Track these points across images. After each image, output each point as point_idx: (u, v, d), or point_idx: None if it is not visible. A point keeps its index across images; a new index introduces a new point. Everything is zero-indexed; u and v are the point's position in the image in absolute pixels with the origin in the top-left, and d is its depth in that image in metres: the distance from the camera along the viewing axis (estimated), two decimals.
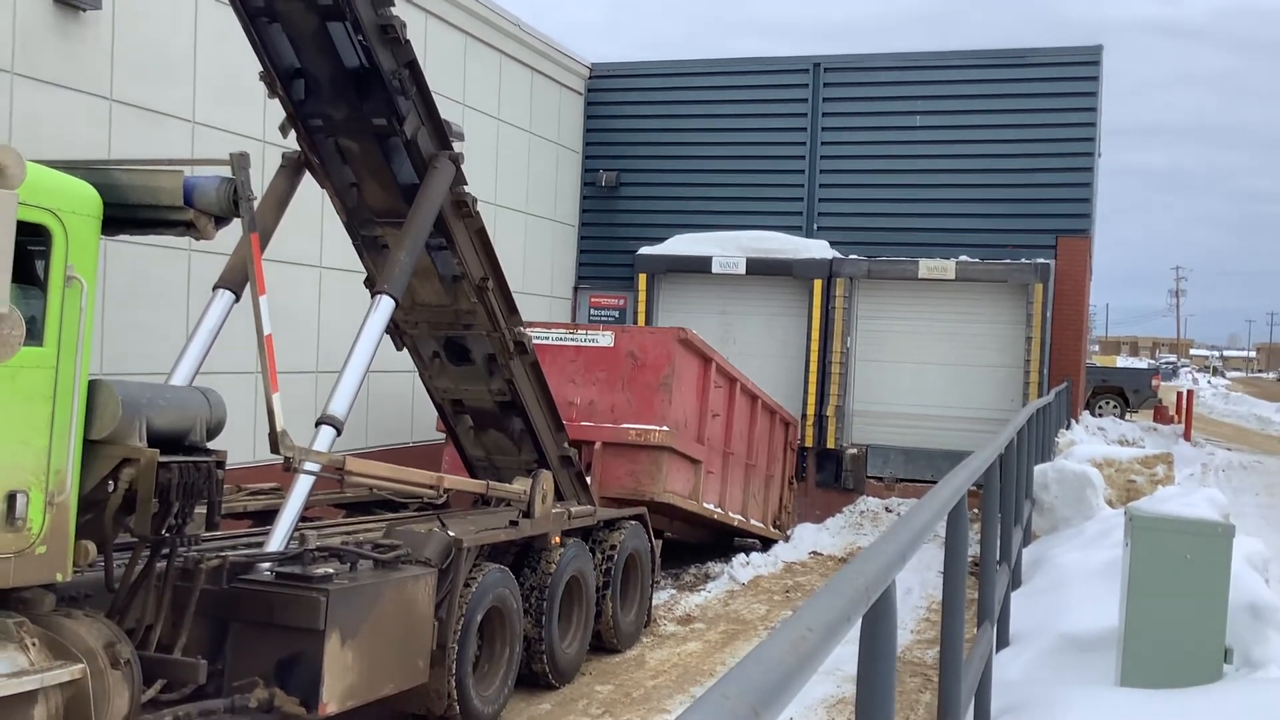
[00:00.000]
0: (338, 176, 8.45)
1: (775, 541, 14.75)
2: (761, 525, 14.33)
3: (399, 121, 7.91)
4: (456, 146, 15.80)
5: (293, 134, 8.31)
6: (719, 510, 12.89)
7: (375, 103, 7.88)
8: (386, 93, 7.78)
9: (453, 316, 9.11)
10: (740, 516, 13.63)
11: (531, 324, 12.29)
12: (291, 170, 8.54)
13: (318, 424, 7.18)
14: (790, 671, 1.62)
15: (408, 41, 7.83)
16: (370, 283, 8.78)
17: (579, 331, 12.13)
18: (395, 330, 9.10)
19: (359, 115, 7.99)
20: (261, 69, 7.92)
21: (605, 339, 11.88)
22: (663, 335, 12.05)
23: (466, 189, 8.56)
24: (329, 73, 7.83)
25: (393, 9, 7.73)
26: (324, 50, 7.73)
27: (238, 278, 8.20)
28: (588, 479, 10.59)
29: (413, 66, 7.96)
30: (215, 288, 8.18)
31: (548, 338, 11.96)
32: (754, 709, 1.42)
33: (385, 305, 7.73)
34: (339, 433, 7.26)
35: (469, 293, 8.82)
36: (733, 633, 10.91)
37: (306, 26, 7.66)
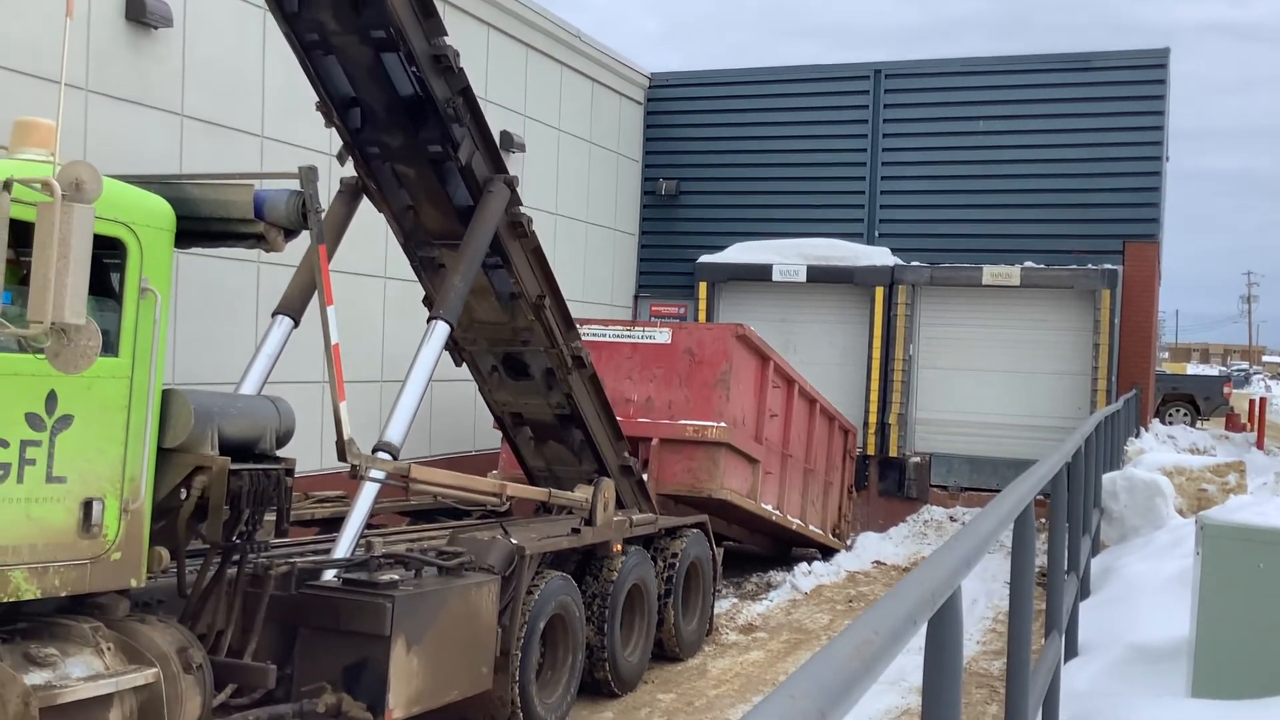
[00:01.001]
0: (395, 200, 8.54)
1: (835, 552, 14.61)
2: (820, 532, 14.20)
3: (454, 148, 7.97)
4: (518, 157, 15.99)
5: (350, 160, 8.43)
6: (777, 512, 12.78)
7: (430, 130, 7.96)
8: (441, 121, 7.84)
9: (510, 334, 9.17)
10: (799, 521, 13.50)
11: (587, 321, 12.34)
12: (349, 196, 8.66)
13: (374, 451, 7.21)
14: (856, 674, 1.63)
15: (461, 70, 7.89)
16: (429, 302, 8.87)
17: (636, 328, 12.14)
18: (454, 347, 9.18)
19: (414, 142, 8.07)
20: (318, 99, 8.03)
21: (662, 336, 11.88)
22: (720, 331, 12.02)
23: (522, 209, 8.62)
24: (384, 102, 7.91)
25: (445, 39, 7.80)
26: (378, 80, 7.81)
27: (296, 304, 8.32)
28: (645, 476, 10.60)
29: (466, 93, 8.02)
30: (275, 314, 8.30)
31: (604, 335, 11.98)
32: (821, 711, 1.42)
33: (440, 331, 7.78)
34: (395, 459, 7.30)
35: (526, 311, 8.88)
36: (795, 642, 10.86)
37: (361, 58, 7.74)
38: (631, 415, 11.58)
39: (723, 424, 11.48)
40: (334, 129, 8.21)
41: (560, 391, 9.37)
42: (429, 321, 7.84)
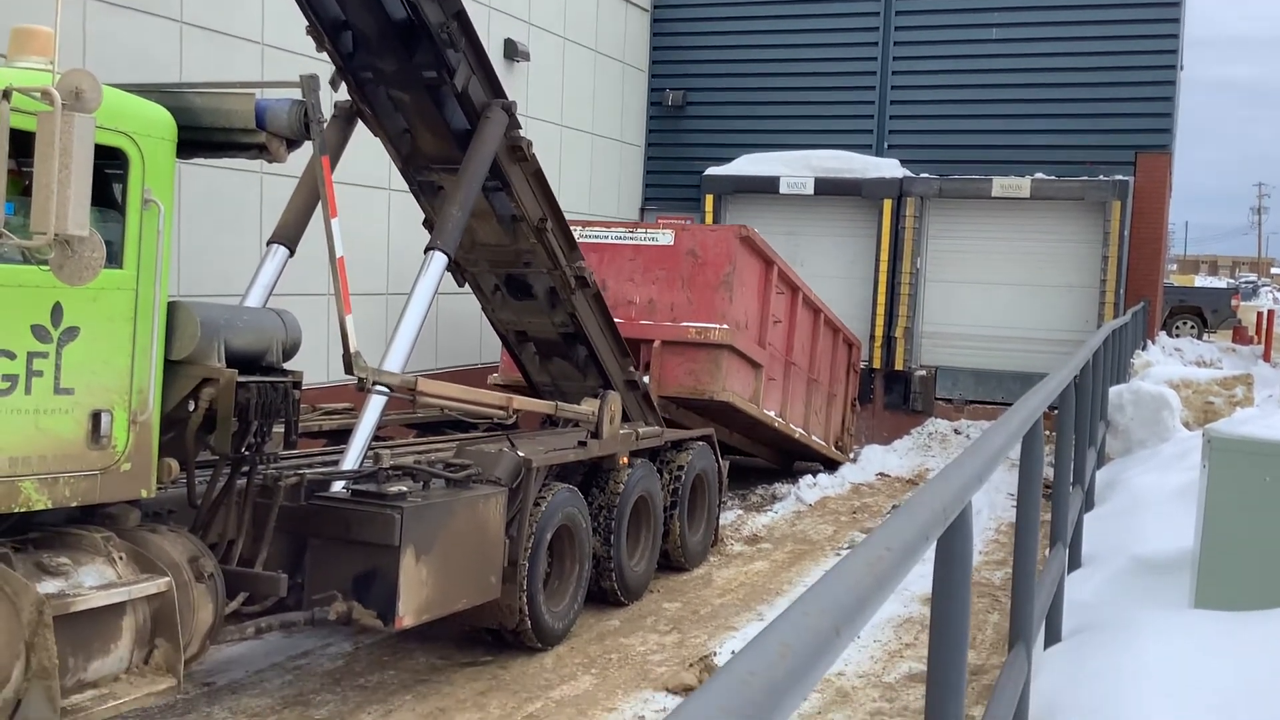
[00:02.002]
0: (391, 125, 8.38)
1: (838, 465, 14.64)
2: (823, 443, 14.17)
3: (449, 74, 7.79)
4: (522, 66, 15.74)
5: (343, 85, 8.26)
6: (780, 420, 12.72)
7: (424, 55, 7.77)
8: (435, 46, 7.66)
9: (513, 255, 9.10)
10: (801, 430, 13.44)
11: (590, 223, 12.23)
12: (344, 121, 8.49)
13: (371, 385, 7.16)
14: (869, 590, 1.63)
15: None
16: (429, 225, 8.78)
17: (639, 230, 12.01)
18: (456, 268, 9.12)
19: (408, 68, 7.89)
20: (307, 24, 7.85)
21: (665, 237, 11.76)
22: (723, 233, 11.88)
23: (521, 133, 8.46)
24: (375, 26, 7.70)
25: None
26: (368, 5, 7.59)
27: (292, 232, 8.24)
28: (646, 379, 10.59)
29: (461, 17, 7.81)
30: (270, 242, 8.23)
31: (606, 237, 11.88)
32: (835, 627, 1.42)
33: (438, 262, 7.67)
34: (393, 391, 7.26)
35: (528, 233, 8.78)
36: (799, 553, 10.96)
37: None
38: (633, 318, 11.52)
39: (725, 326, 11.37)
40: (326, 53, 8.05)
41: (564, 310, 9.34)
42: (426, 252, 7.72)
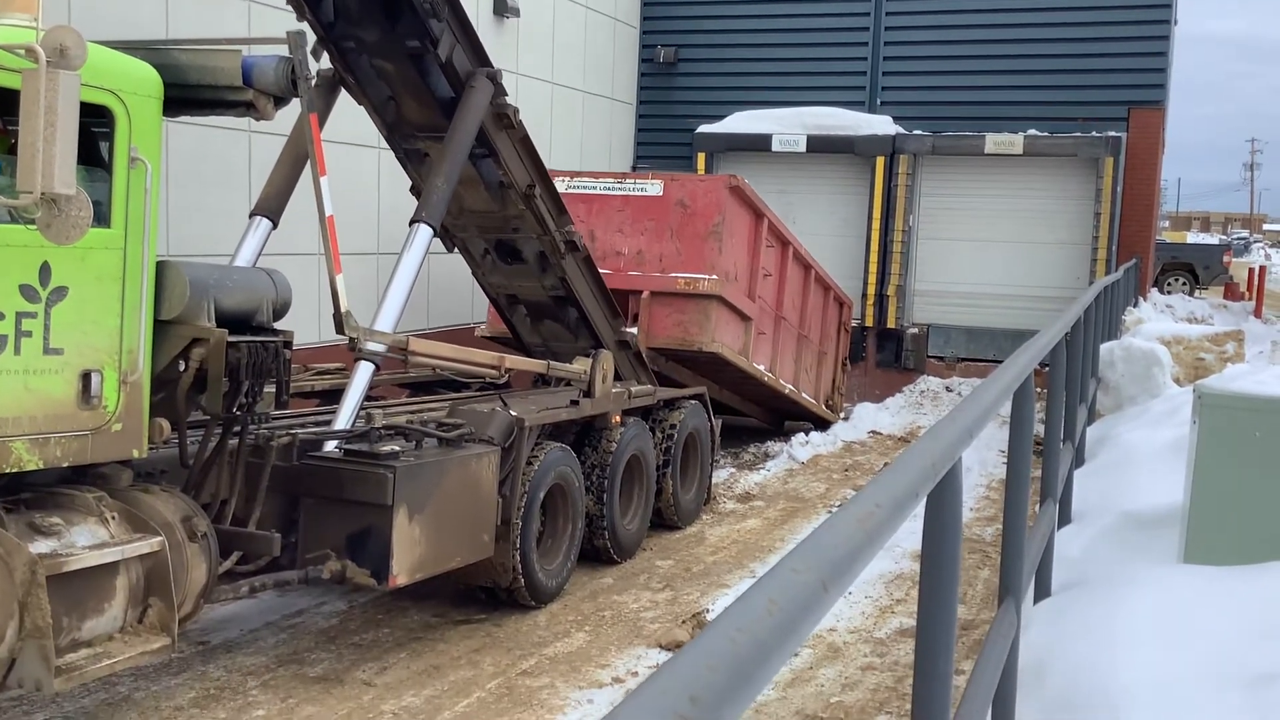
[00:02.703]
0: (374, 93, 8.26)
1: (829, 425, 14.62)
2: (813, 401, 14.08)
3: (433, 44, 7.67)
4: (512, 23, 15.59)
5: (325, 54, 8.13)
6: (769, 374, 12.63)
7: (406, 25, 7.64)
8: (418, 16, 7.54)
9: (501, 221, 9.03)
10: (791, 386, 13.35)
11: (579, 174, 12.14)
12: (326, 89, 8.32)
13: (357, 357, 7.15)
14: (858, 546, 1.63)
15: None
16: (416, 192, 8.72)
17: (628, 180, 11.88)
18: (445, 234, 9.06)
19: (391, 37, 7.77)
20: None
21: (654, 188, 11.64)
22: (713, 183, 11.77)
23: (508, 100, 8.34)
24: None
25: None
26: None
27: (274, 204, 8.14)
28: (635, 330, 10.55)
29: None
30: (252, 215, 8.13)
31: (595, 187, 11.78)
32: (823, 582, 1.43)
33: (423, 235, 7.58)
34: (379, 367, 7.22)
35: (516, 200, 8.71)
36: (792, 510, 11.01)
37: None
38: (622, 268, 11.43)
39: (714, 276, 11.27)
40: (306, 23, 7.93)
41: (554, 274, 9.31)
42: (411, 225, 7.63)
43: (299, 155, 8.13)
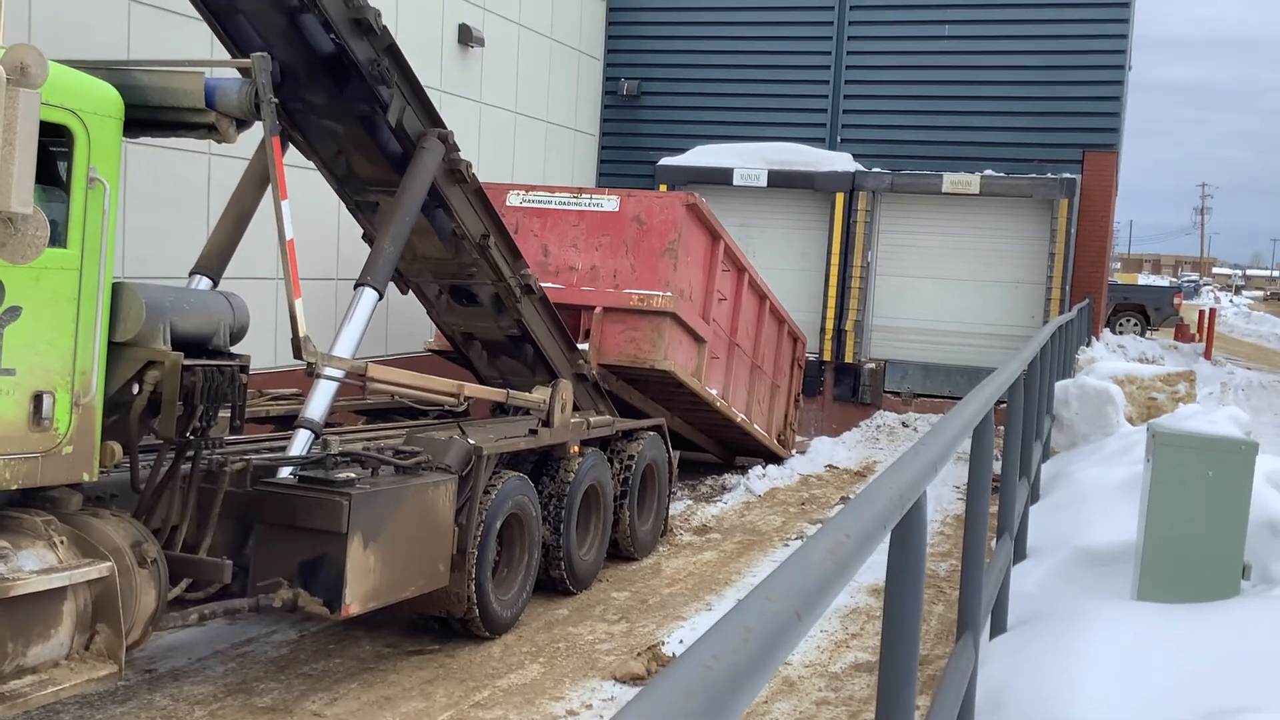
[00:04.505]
0: (324, 149, 8.19)
1: (780, 460, 14.50)
2: (765, 434, 13.98)
3: (383, 109, 7.62)
4: (476, 52, 15.61)
5: None
6: (722, 400, 12.51)
7: (355, 89, 7.58)
8: (366, 83, 7.49)
9: (456, 268, 8.97)
10: (744, 416, 13.22)
11: (534, 187, 12.10)
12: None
13: (295, 426, 7.04)
14: (829, 576, 1.63)
15: (384, 28, 7.48)
16: (369, 240, 8.65)
17: (583, 196, 11.75)
18: (399, 276, 9.00)
19: (339, 101, 7.70)
20: (230, 57, 7.64)
21: (610, 203, 11.52)
22: (669, 200, 11.66)
23: (460, 155, 8.27)
24: (303, 61, 7.48)
25: None
26: (294, 43, 7.37)
27: (215, 263, 7.97)
28: (585, 346, 10.47)
29: (392, 51, 7.62)
30: (192, 273, 7.97)
31: (550, 202, 11.68)
32: (796, 612, 1.42)
33: (368, 299, 7.46)
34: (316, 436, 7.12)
35: (470, 249, 8.68)
36: (748, 543, 11.00)
37: (274, 23, 7.30)
38: (575, 284, 11.31)
39: (669, 293, 11.15)
40: None
41: (510, 316, 9.29)
42: (356, 288, 7.52)
43: (242, 213, 8.02)
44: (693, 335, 11.77)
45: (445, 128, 8.15)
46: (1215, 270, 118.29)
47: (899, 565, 2.59)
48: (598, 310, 11.20)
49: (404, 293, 9.49)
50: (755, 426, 13.63)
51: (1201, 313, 30.54)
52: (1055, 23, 18.01)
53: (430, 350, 11.79)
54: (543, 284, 9.89)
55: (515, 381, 9.83)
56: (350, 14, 7.30)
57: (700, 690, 1.14)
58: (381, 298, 7.67)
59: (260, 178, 8.05)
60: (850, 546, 1.78)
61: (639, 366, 11.23)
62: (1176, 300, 33.81)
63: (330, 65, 7.53)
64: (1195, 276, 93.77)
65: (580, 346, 10.35)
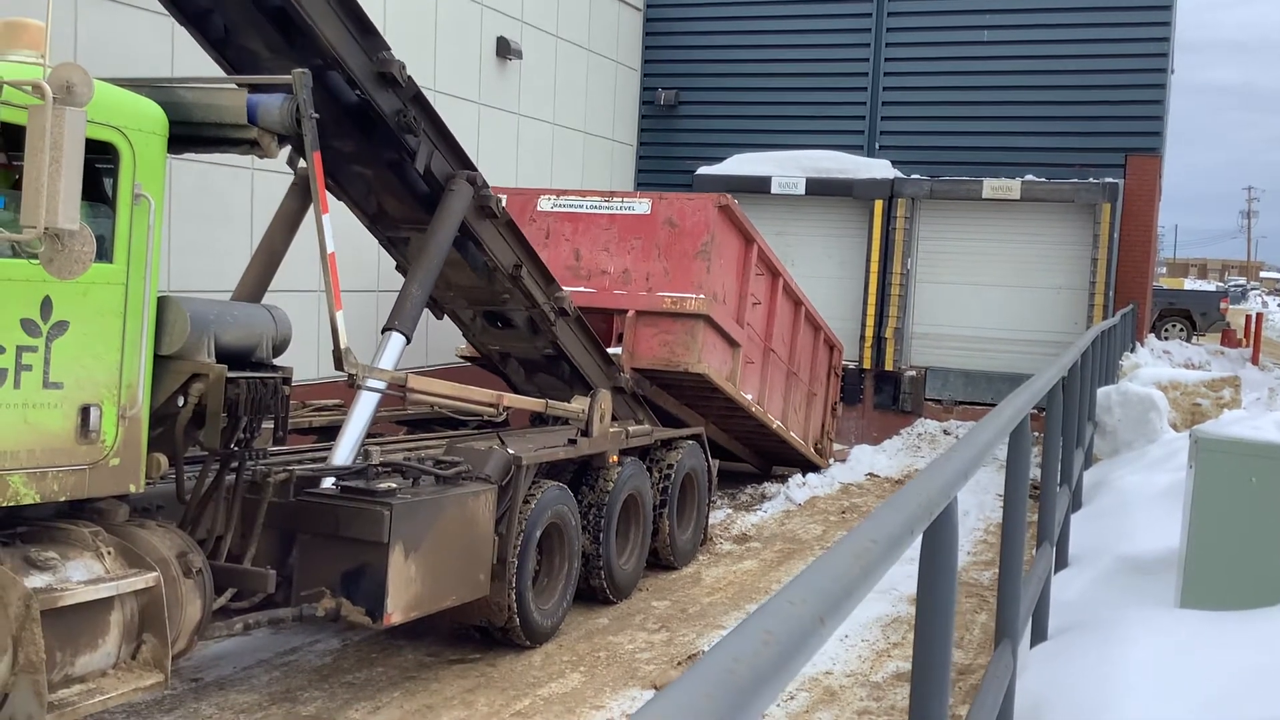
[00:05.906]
0: (354, 190, 8.27)
1: (818, 469, 14.34)
2: (802, 442, 13.82)
3: (410, 156, 7.69)
4: (514, 65, 15.70)
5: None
6: (758, 406, 12.35)
7: (382, 138, 7.67)
8: (392, 131, 7.57)
9: (489, 295, 9.04)
10: (780, 422, 13.06)
11: (565, 191, 12.09)
12: (303, 189, 8.06)
13: (362, 381, 7.04)
14: (854, 581, 1.64)
15: (409, 79, 7.54)
16: (402, 270, 8.72)
17: (615, 199, 11.69)
18: (433, 303, 9.06)
19: (367, 148, 7.79)
20: None
21: (642, 206, 11.44)
22: (702, 201, 11.51)
23: (489, 192, 8.31)
24: (330, 113, 7.49)
25: (388, 52, 7.40)
26: (321, 97, 7.34)
27: (250, 294, 7.89)
28: (618, 350, 10.44)
29: (418, 99, 7.69)
30: None
31: (581, 206, 11.62)
32: (819, 616, 1.43)
33: (396, 343, 7.51)
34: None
35: (503, 279, 8.74)
36: (788, 552, 10.98)
37: None
38: (607, 287, 11.25)
39: (702, 295, 11.03)
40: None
41: (545, 338, 9.35)
42: (384, 332, 7.58)
43: (273, 255, 8.02)
44: (727, 339, 11.65)
45: (474, 169, 8.21)
46: (1262, 274, 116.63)
47: (930, 570, 2.59)
48: (630, 314, 11.13)
49: (439, 318, 9.56)
50: (792, 434, 13.51)
51: (1248, 317, 30.12)
52: (1096, 26, 17.87)
53: (462, 357, 11.82)
54: (575, 288, 9.89)
55: (553, 395, 9.88)
56: (375, 68, 7.37)
57: (720, 693, 1.17)
58: (409, 342, 7.70)
59: (289, 222, 8.07)
60: (876, 552, 1.79)
61: (673, 370, 11.14)
62: (1223, 305, 33.37)
63: (356, 116, 7.61)
64: (1242, 281, 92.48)
65: (613, 350, 10.35)
